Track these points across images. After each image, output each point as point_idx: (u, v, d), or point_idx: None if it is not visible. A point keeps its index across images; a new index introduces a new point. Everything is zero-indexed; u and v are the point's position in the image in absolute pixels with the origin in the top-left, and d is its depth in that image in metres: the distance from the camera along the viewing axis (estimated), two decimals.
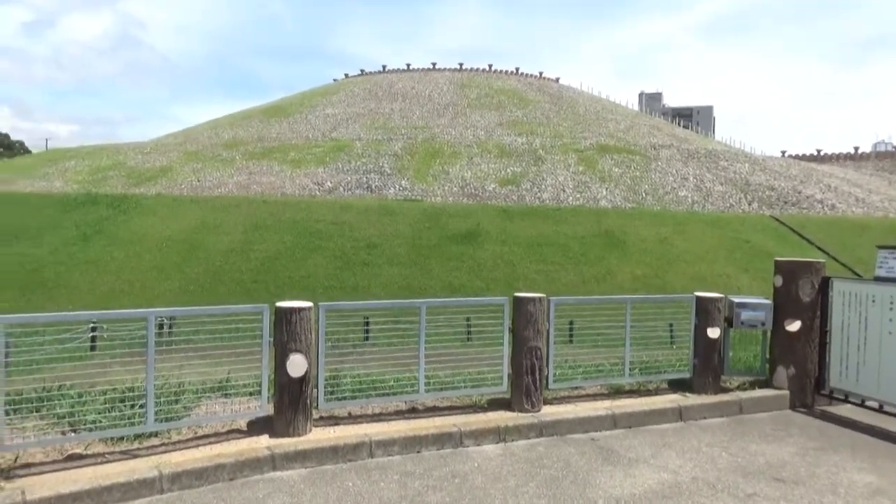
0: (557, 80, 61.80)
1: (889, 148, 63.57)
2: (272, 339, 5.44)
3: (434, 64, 57.42)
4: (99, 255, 24.05)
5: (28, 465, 4.63)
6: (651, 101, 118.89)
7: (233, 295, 21.01)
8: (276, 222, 25.96)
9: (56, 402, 5.46)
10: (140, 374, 5.78)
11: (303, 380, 5.40)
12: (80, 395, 5.63)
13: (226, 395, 6.14)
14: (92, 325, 13.26)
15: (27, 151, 75.35)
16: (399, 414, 6.05)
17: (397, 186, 30.58)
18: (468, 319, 10.01)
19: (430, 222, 25.34)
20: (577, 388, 6.80)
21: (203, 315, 5.40)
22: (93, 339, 13.63)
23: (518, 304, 6.31)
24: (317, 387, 5.59)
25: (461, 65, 57.46)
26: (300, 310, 5.44)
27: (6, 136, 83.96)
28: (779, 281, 7.08)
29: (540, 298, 6.33)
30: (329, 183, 30.97)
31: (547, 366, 6.35)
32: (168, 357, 5.99)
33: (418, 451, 5.38)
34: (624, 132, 44.77)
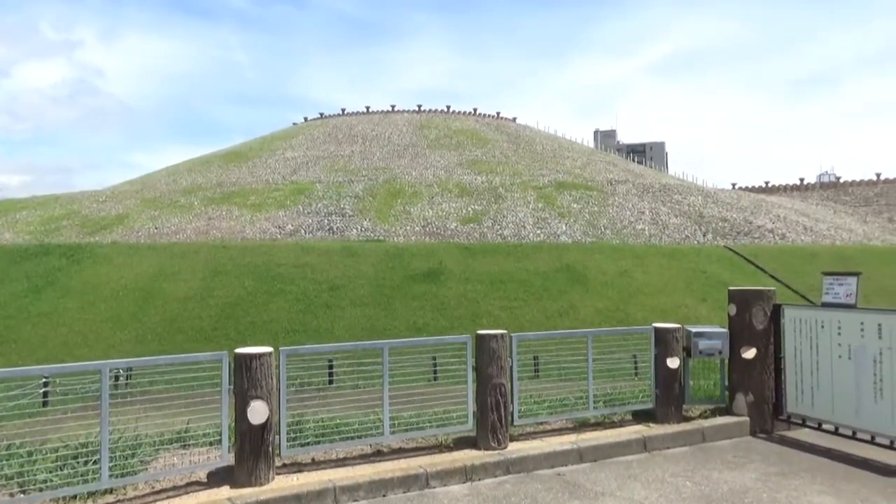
0: (514, 119, 63.13)
1: (832, 178, 66.31)
2: (232, 387, 5.34)
3: (393, 106, 58.15)
4: (51, 306, 23.35)
5: None
6: (606, 138, 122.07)
7: (192, 343, 20.54)
8: (237, 267, 25.64)
9: (3, 461, 5.24)
10: (94, 429, 5.61)
11: (264, 427, 5.29)
12: (30, 454, 5.41)
13: (184, 446, 5.97)
14: (44, 379, 12.78)
15: None
16: (364, 457, 5.96)
17: (359, 227, 30.57)
18: (434, 358, 9.98)
19: (392, 262, 25.32)
20: (542, 423, 6.80)
21: (161, 364, 5.27)
22: (45, 394, 13.14)
23: (481, 341, 6.33)
24: (279, 433, 5.49)
25: (420, 106, 58.33)
26: (260, 355, 5.37)
27: None
28: (733, 310, 7.27)
29: (502, 335, 6.37)
30: (290, 226, 30.80)
31: (512, 402, 6.36)
32: (124, 409, 5.83)
33: (384, 495, 5.30)
34: (581, 169, 45.80)
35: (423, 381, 8.72)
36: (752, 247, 30.12)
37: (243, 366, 5.31)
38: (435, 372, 10.41)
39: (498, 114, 62.00)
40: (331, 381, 11.79)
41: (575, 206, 34.50)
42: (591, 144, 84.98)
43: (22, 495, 4.83)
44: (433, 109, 58.36)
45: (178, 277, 25.22)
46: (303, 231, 30.31)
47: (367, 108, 58.11)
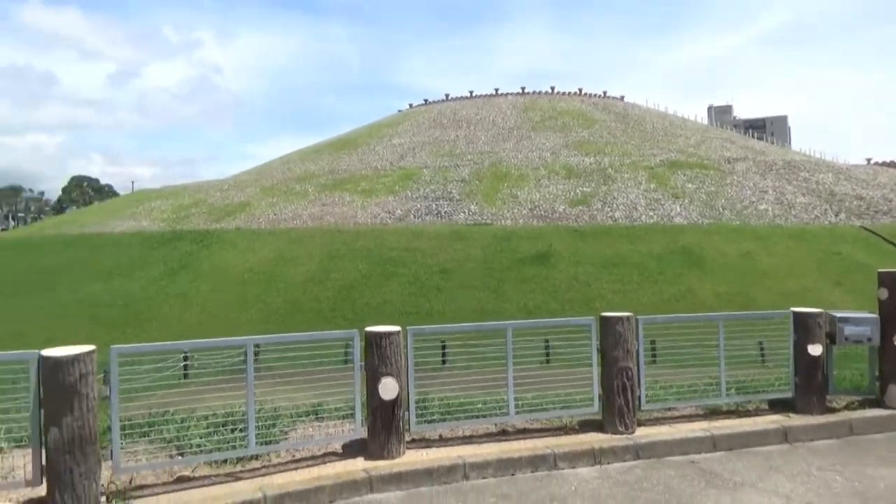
0: (622, 98, 61.06)
1: None
2: (363, 364, 5.53)
3: (497, 90, 57.83)
4: (185, 288, 25.14)
5: (141, 487, 4.84)
6: (721, 114, 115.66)
7: (311, 323, 21.50)
8: (351, 251, 26.50)
9: (162, 427, 5.71)
10: (231, 400, 6.00)
11: (394, 403, 5.45)
12: (183, 421, 5.87)
13: (319, 419, 6.27)
14: (184, 354, 13.87)
15: (115, 194, 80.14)
16: (489, 436, 6.01)
17: (467, 211, 30.75)
18: (546, 341, 9.90)
19: (501, 245, 25.30)
20: (670, 408, 6.58)
21: (297, 341, 5.54)
22: (185, 367, 14.25)
23: (605, 323, 6.19)
24: (408, 409, 5.64)
25: (523, 89, 57.64)
26: (390, 334, 5.52)
27: (97, 180, 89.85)
28: (884, 293, 6.69)
29: (628, 317, 6.20)
30: (399, 211, 31.45)
31: (639, 386, 6.19)
32: (258, 383, 6.18)
33: (512, 474, 5.32)
34: (695, 147, 43.67)
35: (535, 363, 8.63)
36: (893, 227, 27.60)
37: (374, 344, 5.49)
38: (547, 354, 10.31)
39: (604, 93, 60.22)
40: (444, 362, 11.98)
41: (689, 185, 32.97)
42: (705, 121, 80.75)
43: (180, 457, 5.24)
44: (537, 91, 57.53)
45: (296, 261, 26.42)
46: (412, 216, 30.87)
47: (471, 92, 58.15)
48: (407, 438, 5.68)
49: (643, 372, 6.26)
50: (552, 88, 57.50)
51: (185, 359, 15.00)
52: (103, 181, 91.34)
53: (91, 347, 4.52)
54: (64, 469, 4.33)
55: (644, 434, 5.91)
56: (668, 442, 5.75)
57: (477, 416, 6.06)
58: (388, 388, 5.38)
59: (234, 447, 5.18)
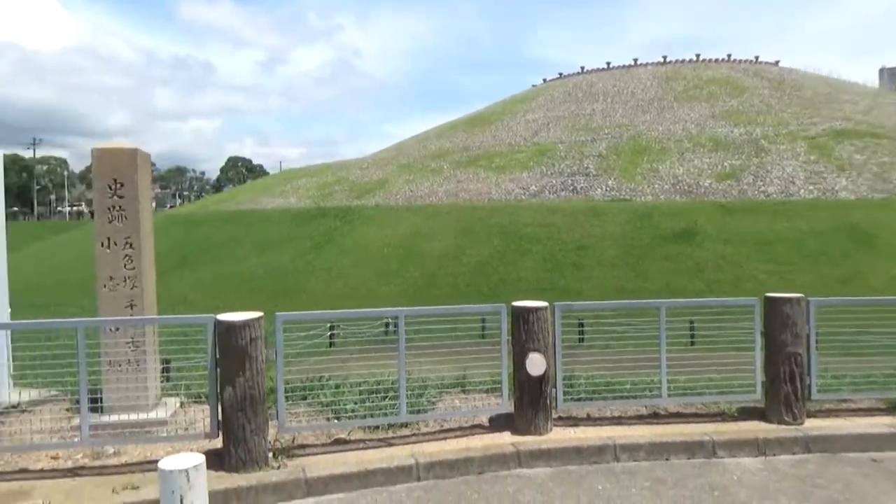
0: (777, 63, 56.12)
1: None
2: (510, 338, 5.48)
3: (635, 60, 55.23)
4: (329, 262, 26.49)
5: (303, 447, 5.13)
6: (895, 76, 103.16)
7: (447, 298, 21.90)
8: (485, 227, 26.60)
9: (319, 391, 6.02)
10: (374, 368, 6.20)
11: (542, 379, 5.37)
12: (337, 387, 6.15)
13: (464, 392, 6.34)
14: (331, 324, 14.63)
15: (265, 173, 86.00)
16: (640, 418, 5.77)
17: (604, 187, 29.81)
18: (691, 322, 9.35)
19: (641, 222, 24.30)
20: (845, 400, 5.98)
21: (445, 314, 5.59)
22: (331, 336, 15.01)
23: (771, 305, 5.71)
24: (555, 386, 5.54)
25: (665, 57, 54.59)
26: (537, 309, 5.43)
27: (249, 161, 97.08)
28: None
29: (798, 299, 5.68)
30: (534, 187, 31.09)
31: (809, 374, 5.67)
32: (394, 354, 6.30)
33: (667, 459, 5.07)
34: (863, 114, 39.30)
35: (678, 345, 8.16)
36: None
37: (521, 319, 5.42)
38: (692, 336, 9.76)
39: (756, 58, 55.61)
40: (581, 340, 11.71)
41: (858, 157, 29.77)
42: (876, 85, 72.42)
43: (336, 420, 5.50)
44: (680, 60, 54.25)
45: (433, 237, 26.94)
46: (546, 192, 30.42)
47: (608, 63, 55.95)
48: (553, 415, 5.59)
49: (815, 359, 5.72)
50: (697, 56, 53.98)
51: (332, 328, 15.78)
52: (255, 161, 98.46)
53: (259, 314, 4.81)
54: (237, 425, 4.67)
55: (815, 426, 5.42)
56: (845, 437, 5.23)
57: (626, 397, 5.84)
58: (536, 364, 5.30)
59: (385, 414, 5.35)
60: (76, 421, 5.51)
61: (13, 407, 5.89)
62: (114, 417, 5.35)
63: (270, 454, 4.85)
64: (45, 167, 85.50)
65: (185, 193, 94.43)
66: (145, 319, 5.40)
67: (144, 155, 5.89)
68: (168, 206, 74.41)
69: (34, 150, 76.36)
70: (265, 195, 40.88)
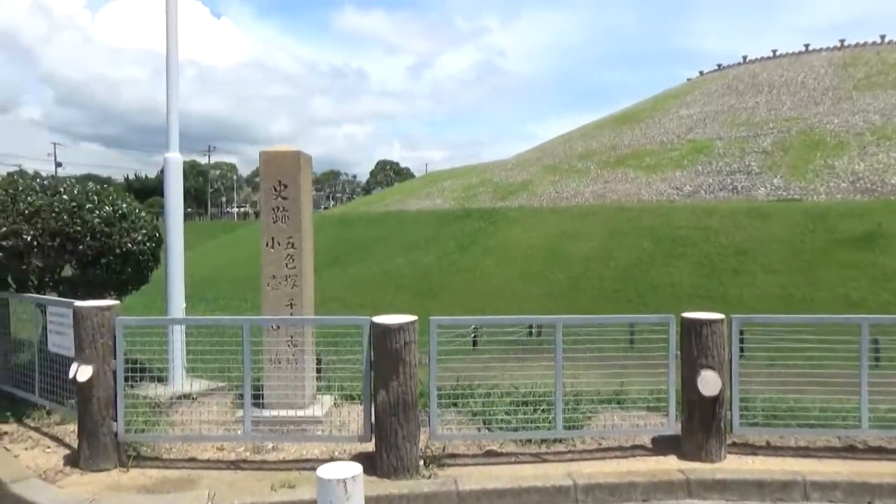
0: None
1: None
2: (678, 352, 4.98)
3: (807, 46, 50.43)
4: (473, 263, 26.58)
5: (454, 456, 4.96)
6: None
7: (594, 302, 21.15)
8: (635, 229, 25.43)
9: (468, 398, 5.84)
10: (520, 376, 5.89)
11: (716, 400, 4.82)
12: (487, 395, 5.94)
13: (621, 407, 5.89)
14: (473, 327, 14.56)
15: (412, 176, 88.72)
16: (832, 451, 5.03)
17: (768, 186, 27.42)
18: (876, 341, 8.15)
19: (813, 224, 22.02)
20: None
21: (607, 324, 5.20)
22: (474, 341, 14.96)
23: None
24: (730, 409, 4.95)
25: (842, 41, 49.35)
26: (712, 322, 4.88)
27: (397, 164, 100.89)
28: None
29: None
30: (688, 186, 29.30)
31: None
32: (544, 362, 5.95)
33: (869, 502, 4.34)
34: None
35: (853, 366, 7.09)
36: None
37: (692, 332, 4.90)
38: (877, 356, 8.52)
39: None
40: (741, 355, 10.68)
41: None
42: None
43: (487, 430, 5.29)
44: (860, 43, 48.82)
45: (578, 238, 26.21)
46: (702, 192, 28.54)
47: (774, 51, 51.55)
48: (727, 441, 5.00)
49: None
50: (882, 38, 48.31)
51: (475, 331, 15.70)
52: (402, 164, 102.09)
53: (413, 318, 4.71)
54: (390, 430, 4.60)
55: None
56: None
57: (814, 426, 5.11)
58: (709, 383, 4.76)
59: (538, 427, 5.06)
60: (240, 414, 5.76)
61: (185, 396, 6.27)
62: (273, 413, 5.51)
63: (421, 462, 4.74)
64: (217, 172, 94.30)
65: (338, 195, 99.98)
66: (306, 319, 5.52)
67: (307, 157, 6.04)
68: (322, 207, 79.16)
69: (209, 157, 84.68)
70: (412, 197, 42.04)
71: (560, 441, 5.16)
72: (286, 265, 5.88)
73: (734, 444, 5.09)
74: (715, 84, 48.55)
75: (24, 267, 5.59)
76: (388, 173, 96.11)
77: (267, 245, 5.89)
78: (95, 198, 6.05)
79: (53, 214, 5.68)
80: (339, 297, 27.85)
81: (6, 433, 5.50)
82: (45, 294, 6.06)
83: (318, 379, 6.57)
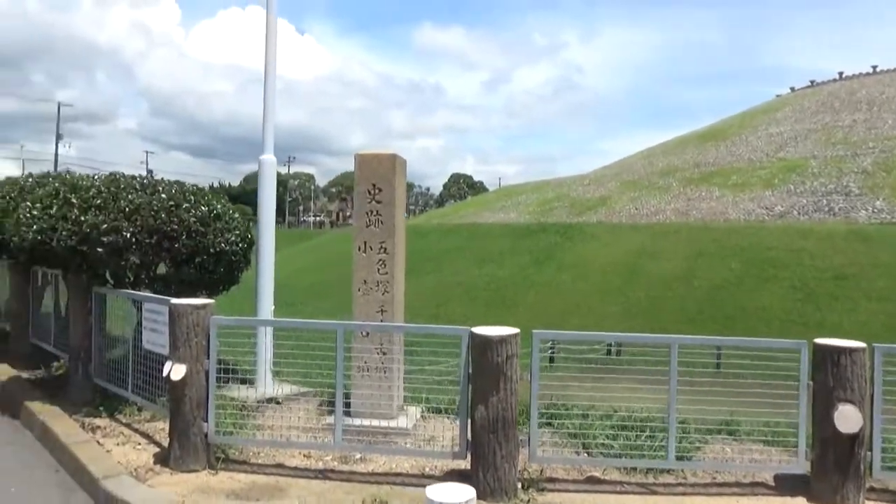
0: None
1: None
2: (811, 382, 4.47)
3: None
4: (549, 278, 26.03)
5: (552, 480, 4.61)
6: None
7: (676, 323, 20.23)
8: (721, 249, 24.30)
9: (564, 419, 5.47)
10: (608, 400, 5.45)
11: (855, 438, 4.27)
12: (584, 416, 5.56)
13: (733, 438, 5.39)
14: (550, 342, 14.16)
15: (485, 189, 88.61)
16: None
17: (870, 208, 25.69)
18: None
19: None
20: None
21: (734, 346, 4.72)
22: (551, 357, 14.55)
23: None
24: (870, 449, 4.39)
25: None
26: (853, 350, 4.35)
27: (470, 177, 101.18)
28: None
29: None
30: (779, 207, 27.82)
31: None
32: (616, 382, 5.49)
33: None
34: None
35: None
36: None
37: (828, 361, 4.38)
38: None
39: None
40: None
41: None
42: None
43: (587, 454, 4.91)
44: None
45: (659, 257, 25.28)
46: (795, 212, 27.03)
47: (874, 67, 48.79)
48: (866, 485, 4.44)
49: None
50: None
51: (552, 346, 15.24)
52: (475, 178, 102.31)
53: (515, 330, 4.42)
54: (488, 448, 4.30)
55: None
56: None
57: None
58: (848, 419, 4.23)
59: (643, 455, 4.64)
60: (327, 421, 5.59)
61: (271, 399, 6.17)
62: (361, 422, 5.31)
63: (519, 484, 4.41)
64: (296, 182, 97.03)
65: (411, 207, 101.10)
66: (402, 327, 5.30)
67: (402, 161, 5.87)
68: None
69: (289, 167, 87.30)
70: (486, 210, 41.83)
71: (669, 472, 4.72)
72: (378, 270, 5.70)
73: (873, 489, 4.51)
74: (808, 101, 46.32)
75: (122, 263, 5.61)
76: (462, 186, 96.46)
77: (359, 249, 5.74)
78: (192, 198, 6.07)
79: (152, 212, 5.70)
80: (410, 306, 27.71)
81: (99, 427, 5.52)
82: (139, 291, 6.10)
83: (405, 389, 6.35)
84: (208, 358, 4.71)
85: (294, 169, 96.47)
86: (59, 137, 60.34)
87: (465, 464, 4.54)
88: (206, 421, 4.69)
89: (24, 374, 7.04)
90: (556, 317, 22.73)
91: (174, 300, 4.78)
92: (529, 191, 45.43)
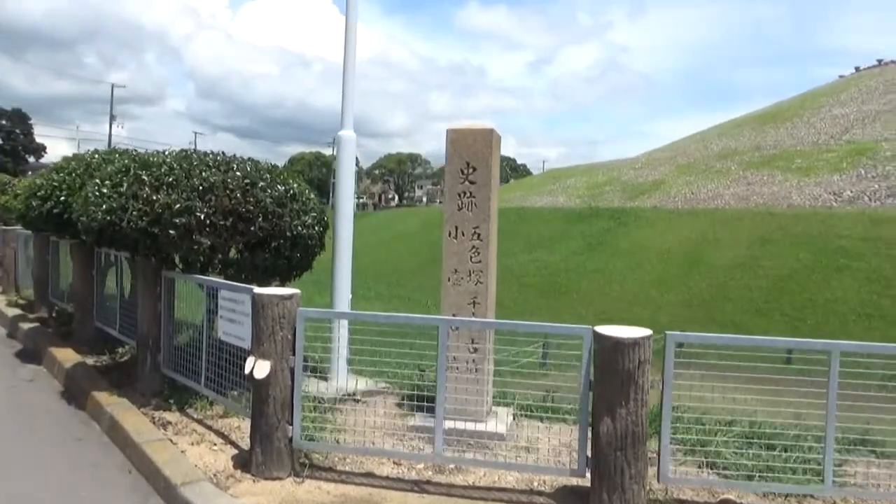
0: None
1: None
2: None
3: None
4: (602, 264, 25.23)
5: (682, 503, 4.04)
6: None
7: (742, 314, 19.34)
8: (786, 237, 23.18)
9: (683, 432, 4.86)
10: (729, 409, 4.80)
11: None
12: (699, 421, 4.95)
13: (877, 455, 4.72)
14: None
15: (528, 173, 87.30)
16: None
17: None
18: None
19: None
20: None
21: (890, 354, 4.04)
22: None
23: None
24: None
25: None
26: None
27: (513, 160, 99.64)
28: None
29: None
30: (849, 192, 26.41)
31: None
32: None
33: None
34: None
35: None
36: None
37: None
38: None
39: None
40: None
41: None
42: None
43: (715, 476, 4.31)
44: None
45: (720, 244, 24.28)
46: (866, 198, 25.61)
47: None
48: None
49: None
50: None
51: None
52: (518, 161, 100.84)
53: (647, 332, 3.82)
54: (614, 467, 3.74)
55: None
56: None
57: None
58: None
59: (790, 479, 4.01)
60: (413, 421, 5.12)
61: (348, 395, 5.72)
62: (450, 424, 4.82)
63: None
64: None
65: None
66: (516, 325, 4.67)
67: (497, 137, 5.29)
68: (437, 201, 79.61)
69: (333, 149, 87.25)
70: (532, 193, 40.97)
71: (814, 496, 4.09)
72: (470, 258, 5.16)
73: None
74: (875, 81, 44.04)
75: (194, 247, 5.19)
76: (504, 169, 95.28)
77: (449, 235, 5.20)
78: (268, 176, 5.60)
79: (227, 192, 5.26)
80: None
81: (170, 423, 5.14)
82: (209, 276, 5.69)
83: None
84: (293, 354, 4.25)
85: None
86: (112, 118, 61.40)
87: (580, 480, 4.00)
88: (291, 424, 4.24)
89: (89, 360, 6.74)
90: (612, 305, 21.98)
91: (258, 289, 4.32)
92: (578, 174, 44.37)
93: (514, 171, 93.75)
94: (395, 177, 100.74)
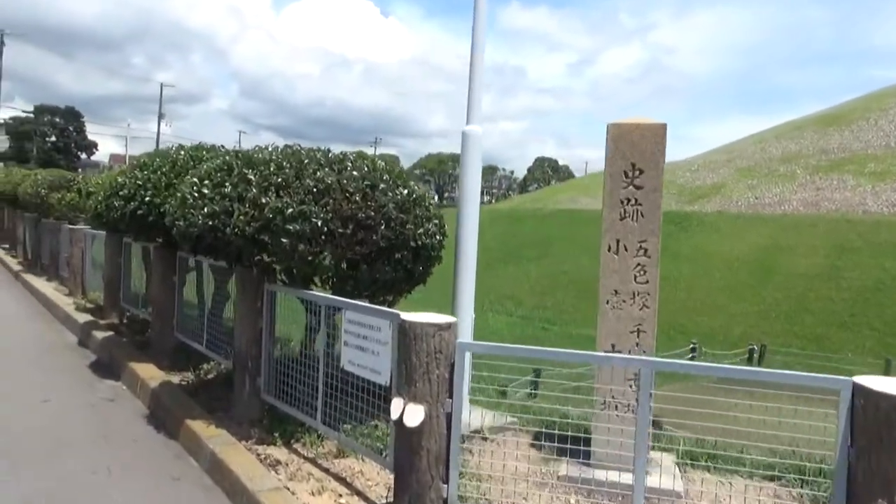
0: None
1: None
2: None
3: None
4: (665, 270, 23.98)
5: None
6: None
7: (824, 327, 18.11)
8: (868, 245, 21.80)
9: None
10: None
11: None
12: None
13: None
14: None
15: (571, 174, 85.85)
16: None
17: None
18: None
19: None
20: None
21: None
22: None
23: None
24: None
25: None
26: None
27: (555, 161, 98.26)
28: None
29: None
30: None
31: None
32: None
33: None
34: None
35: None
36: None
37: None
38: None
39: None
40: None
41: None
42: None
43: None
44: None
45: (794, 252, 22.99)
46: None
47: None
48: None
49: None
50: None
51: (694, 349, 13.57)
52: (560, 163, 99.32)
53: None
54: None
55: None
56: None
57: None
58: None
59: None
60: (563, 470, 4.33)
61: (474, 432, 4.95)
62: (604, 475, 4.03)
63: None
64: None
65: (493, 191, 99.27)
66: (761, 372, 3.55)
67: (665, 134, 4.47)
68: (484, 198, 78.93)
69: (375, 148, 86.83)
70: (584, 195, 39.87)
71: None
72: (635, 278, 4.36)
73: None
74: None
75: (309, 258, 4.47)
76: (546, 170, 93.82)
77: (609, 249, 4.41)
78: (387, 177, 4.86)
79: (346, 195, 4.53)
80: (514, 295, 26.46)
81: (279, 462, 4.43)
82: (314, 291, 4.97)
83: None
84: (450, 397, 3.48)
85: (380, 150, 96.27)
86: (161, 116, 62.07)
87: None
88: (446, 482, 3.48)
89: (175, 378, 6.10)
90: (681, 314, 20.88)
91: (404, 314, 3.56)
92: None
93: (555, 171, 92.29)
94: (435, 176, 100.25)
